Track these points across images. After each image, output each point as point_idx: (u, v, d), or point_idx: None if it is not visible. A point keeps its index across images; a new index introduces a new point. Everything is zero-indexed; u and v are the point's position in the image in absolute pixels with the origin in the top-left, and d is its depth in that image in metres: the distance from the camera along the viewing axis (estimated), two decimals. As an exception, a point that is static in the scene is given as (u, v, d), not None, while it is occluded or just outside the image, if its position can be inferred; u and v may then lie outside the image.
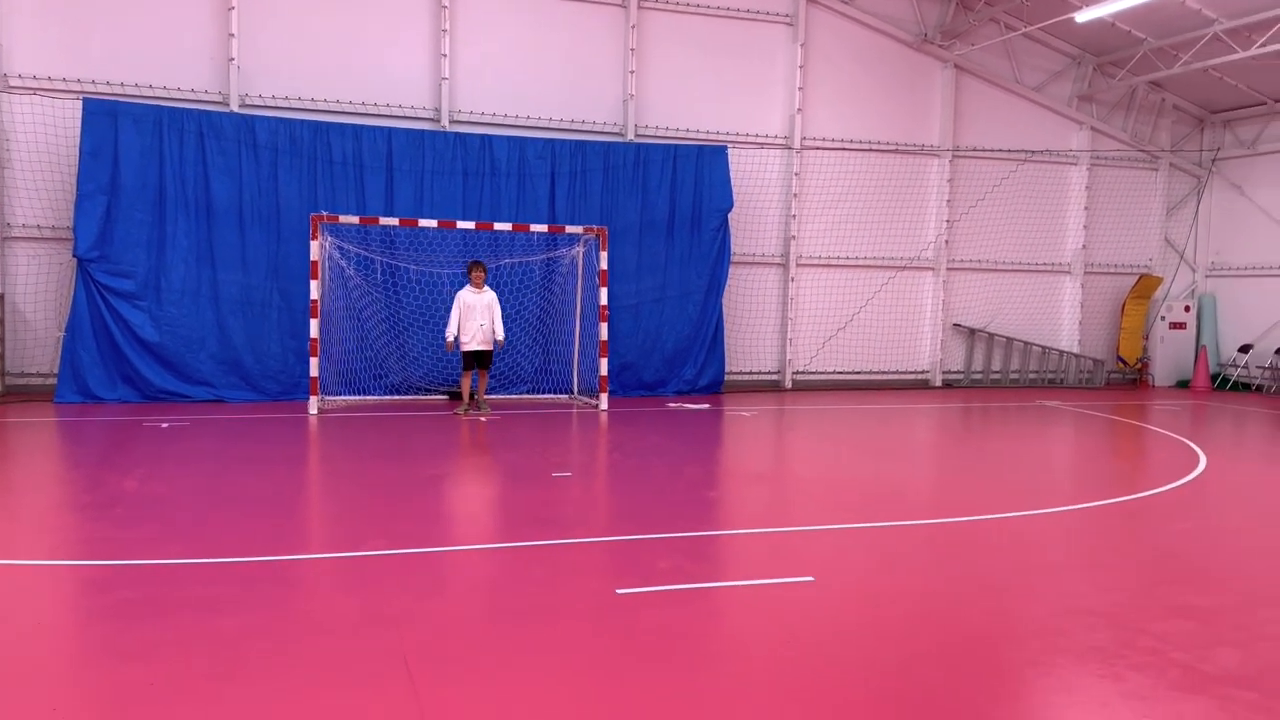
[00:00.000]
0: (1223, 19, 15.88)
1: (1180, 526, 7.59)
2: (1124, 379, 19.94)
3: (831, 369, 17.89)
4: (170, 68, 14.05)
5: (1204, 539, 7.29)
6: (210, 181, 13.67)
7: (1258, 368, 18.75)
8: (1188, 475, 9.59)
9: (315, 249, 12.57)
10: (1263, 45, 15.49)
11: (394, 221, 13.36)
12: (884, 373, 18.26)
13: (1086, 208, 19.19)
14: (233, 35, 14.14)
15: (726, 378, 16.59)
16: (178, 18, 14.08)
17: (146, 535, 6.48)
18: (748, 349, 17.25)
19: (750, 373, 17.36)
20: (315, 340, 12.58)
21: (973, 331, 18.65)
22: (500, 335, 13.04)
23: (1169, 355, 19.69)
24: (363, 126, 14.43)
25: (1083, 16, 15.67)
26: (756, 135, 17.05)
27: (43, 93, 13.42)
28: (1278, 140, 18.65)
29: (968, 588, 5.79)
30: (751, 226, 17.02)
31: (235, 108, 14.17)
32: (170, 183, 13.49)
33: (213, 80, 14.25)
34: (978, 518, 7.66)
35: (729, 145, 16.39)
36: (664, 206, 15.79)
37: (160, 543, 6.28)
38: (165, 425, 11.31)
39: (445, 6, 15.12)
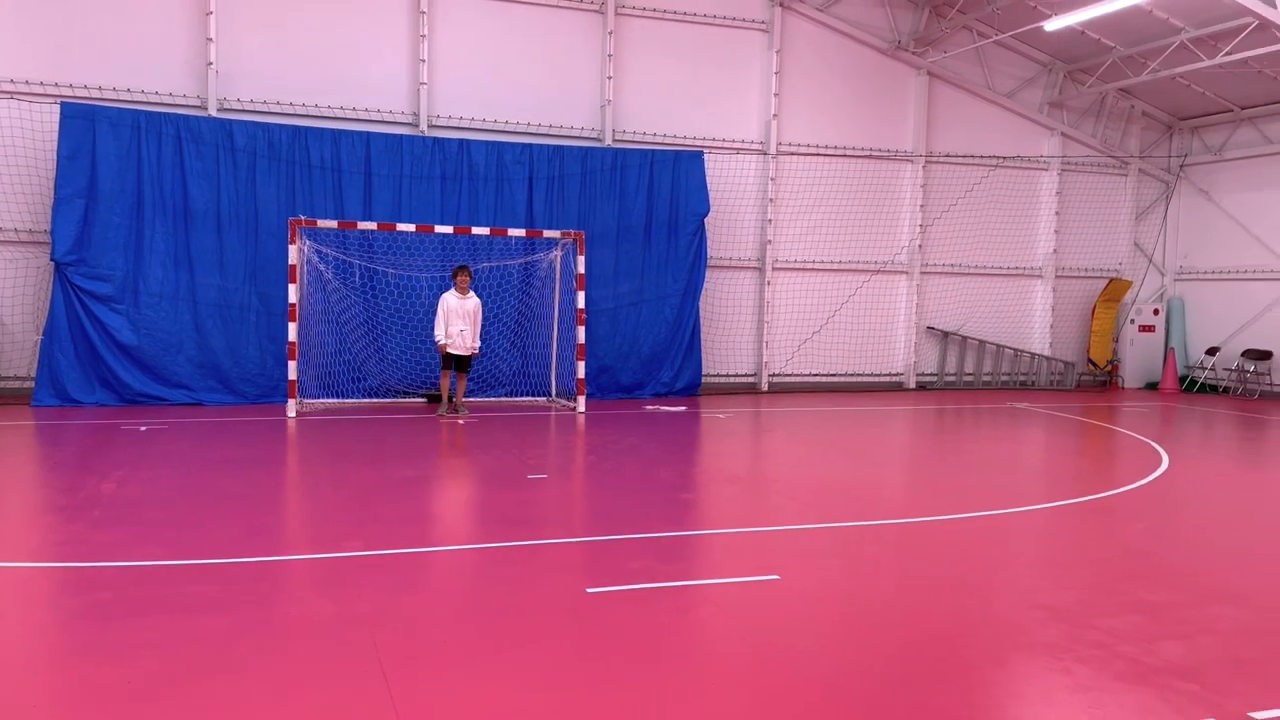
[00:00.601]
0: (1189, 28, 16.21)
1: (1139, 525, 7.81)
2: (1094, 381, 20.26)
3: (807, 371, 18.11)
4: (148, 72, 14.09)
5: (1160, 537, 7.51)
6: (188, 185, 13.72)
7: (1224, 370, 19.11)
8: (1150, 476, 9.83)
9: (293, 253, 12.66)
10: (1228, 54, 15.83)
11: (372, 226, 13.45)
12: (859, 375, 18.49)
13: (1057, 212, 19.50)
14: (210, 40, 14.19)
15: (704, 380, 16.77)
16: (155, 22, 14.12)
17: (123, 537, 6.56)
18: (725, 352, 17.43)
19: (727, 375, 17.54)
20: (293, 343, 12.66)
21: (946, 334, 18.91)
22: (476, 345, 13.14)
23: (1138, 358, 20.03)
24: (341, 131, 14.52)
25: (1052, 25, 15.95)
26: (733, 140, 17.24)
27: (20, 96, 13.44)
28: (1244, 146, 19.02)
29: (930, 586, 5.97)
30: (728, 231, 17.21)
31: (213, 112, 14.22)
32: (148, 186, 13.53)
33: (191, 84, 14.29)
34: (945, 517, 7.84)
35: (706, 150, 16.57)
36: (641, 211, 15.95)
37: (137, 544, 6.37)
38: (143, 428, 11.36)
39: (424, 12, 15.23)
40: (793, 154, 17.60)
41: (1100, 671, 4.55)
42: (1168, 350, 19.82)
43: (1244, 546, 7.21)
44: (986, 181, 18.96)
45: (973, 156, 18.80)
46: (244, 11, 14.45)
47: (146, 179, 13.51)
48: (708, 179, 16.31)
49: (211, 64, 14.22)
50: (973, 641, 4.97)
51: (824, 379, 18.21)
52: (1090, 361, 19.89)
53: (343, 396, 14.00)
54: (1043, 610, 5.45)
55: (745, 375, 17.73)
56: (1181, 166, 20.18)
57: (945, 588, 5.93)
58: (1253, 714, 4.11)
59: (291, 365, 12.70)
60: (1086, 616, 5.35)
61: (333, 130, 14.47)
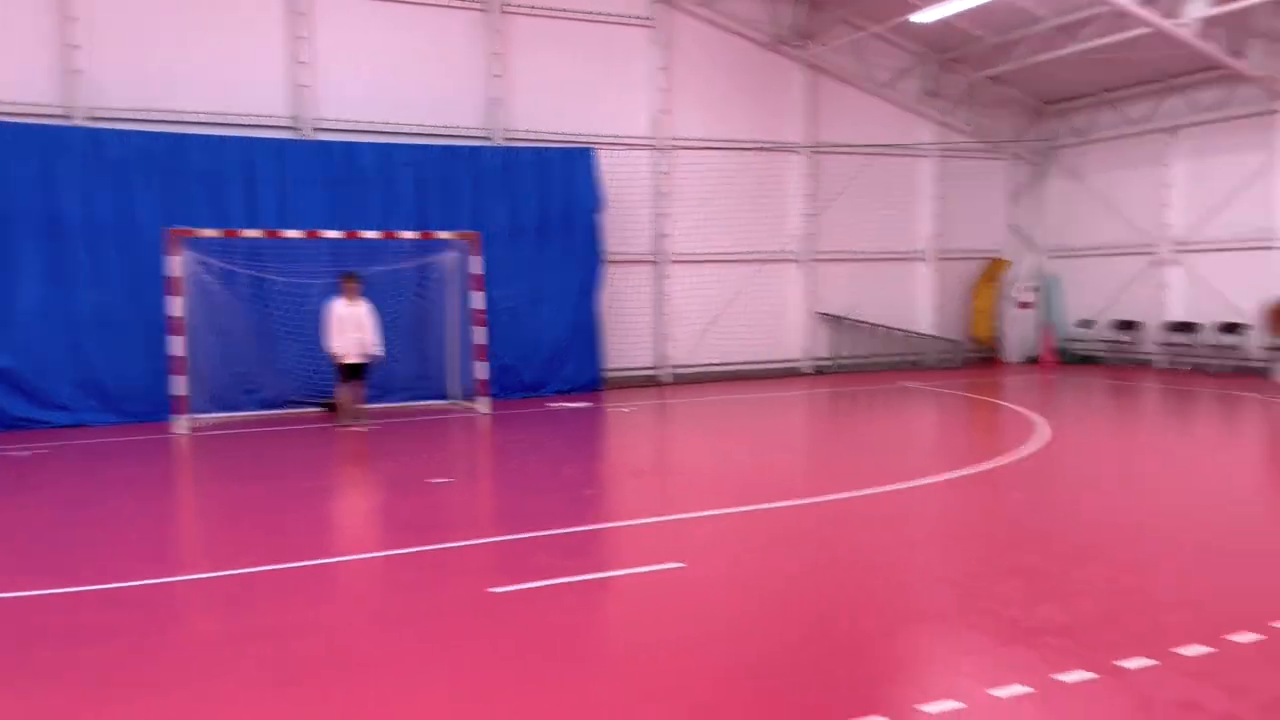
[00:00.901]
0: (1050, 16, 17.01)
1: (1020, 495, 8.23)
2: (979, 357, 21.11)
3: (707, 361, 18.38)
4: (9, 82, 13.41)
5: (1040, 506, 7.93)
6: (59, 198, 13.10)
7: (1098, 341, 20.15)
8: (1029, 446, 10.34)
9: (174, 264, 12.26)
10: (1087, 40, 16.67)
11: (256, 233, 13.11)
12: (757, 362, 18.87)
13: (937, 197, 20.24)
14: (76, 47, 13.59)
15: (606, 375, 16.87)
16: (14, 30, 13.43)
17: (7, 566, 6.30)
18: (626, 345, 17.55)
19: (629, 369, 17.67)
20: (179, 358, 12.27)
21: (838, 319, 19.44)
22: (378, 350, 12.88)
23: (1018, 333, 20.96)
24: (220, 137, 14.08)
25: (918, 17, 16.52)
26: (624, 136, 17.37)
27: None
28: (1107, 128, 20.04)
29: (829, 564, 6.20)
30: (623, 226, 17.32)
31: (82, 121, 13.63)
32: (15, 202, 12.86)
33: (57, 94, 13.65)
34: (842, 496, 8.11)
35: (596, 147, 16.64)
36: (535, 209, 15.92)
37: (14, 574, 6.13)
38: (27, 454, 10.87)
39: (302, 14, 14.88)
40: (683, 148, 17.83)
41: (986, 635, 4.83)
42: (1045, 325, 20.78)
43: (1113, 509, 7.69)
44: (869, 170, 19.54)
45: (855, 146, 19.35)
46: (111, 16, 13.85)
47: (13, 194, 12.85)
48: (601, 175, 16.39)
49: (79, 71, 13.62)
50: (870, 617, 5.19)
51: (724, 368, 18.52)
52: (974, 339, 20.72)
53: (236, 410, 13.61)
54: (936, 582, 5.73)
55: (647, 368, 17.91)
56: (1051, 149, 21.16)
57: (844, 565, 6.17)
58: (1118, 662, 4.42)
59: (178, 380, 12.30)
60: (974, 584, 5.65)
61: (211, 136, 14.02)
